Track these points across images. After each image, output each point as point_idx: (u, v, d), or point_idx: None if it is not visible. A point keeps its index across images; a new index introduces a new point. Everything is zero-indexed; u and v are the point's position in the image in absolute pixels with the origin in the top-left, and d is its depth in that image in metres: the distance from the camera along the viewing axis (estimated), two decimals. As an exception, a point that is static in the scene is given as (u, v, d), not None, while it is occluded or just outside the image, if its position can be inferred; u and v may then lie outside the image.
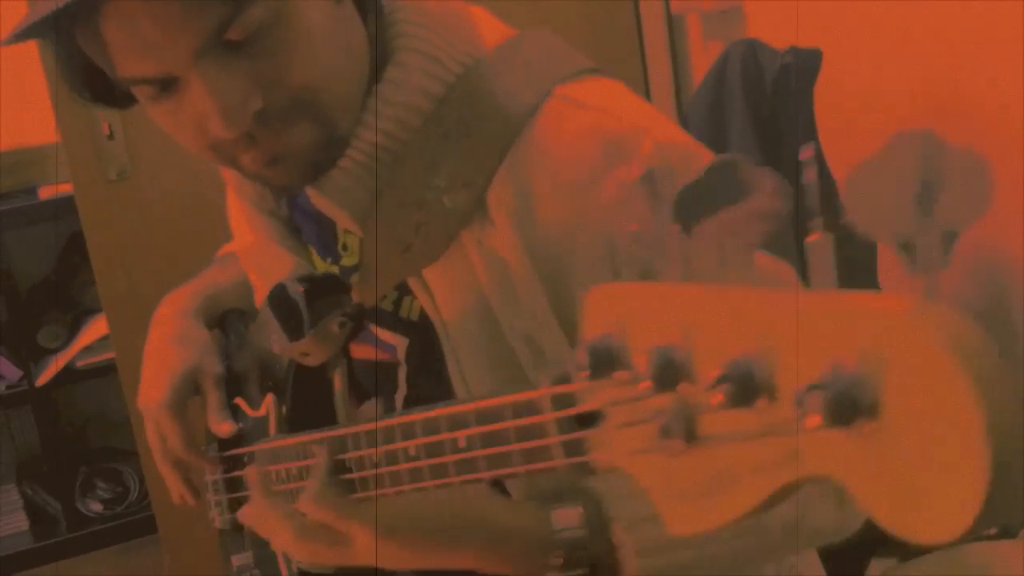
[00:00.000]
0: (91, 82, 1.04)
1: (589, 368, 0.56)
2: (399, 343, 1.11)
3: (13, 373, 3.14)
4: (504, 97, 1.04)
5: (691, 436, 0.50)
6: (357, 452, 0.91)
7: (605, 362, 0.56)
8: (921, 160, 0.35)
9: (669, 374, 0.50)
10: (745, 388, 0.44)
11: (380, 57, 1.05)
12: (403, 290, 1.09)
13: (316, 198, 1.05)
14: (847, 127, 2.08)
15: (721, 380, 0.45)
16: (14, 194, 3.16)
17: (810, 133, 2.17)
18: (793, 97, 2.23)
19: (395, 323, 1.11)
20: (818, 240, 0.41)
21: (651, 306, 0.54)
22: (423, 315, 1.08)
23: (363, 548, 0.92)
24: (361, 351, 1.13)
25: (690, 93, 2.74)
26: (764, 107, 2.28)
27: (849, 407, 0.39)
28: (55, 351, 3.21)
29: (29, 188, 3.16)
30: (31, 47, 2.41)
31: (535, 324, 1.00)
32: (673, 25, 2.86)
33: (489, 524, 0.94)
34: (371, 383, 1.14)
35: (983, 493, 0.36)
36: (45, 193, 3.12)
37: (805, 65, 2.21)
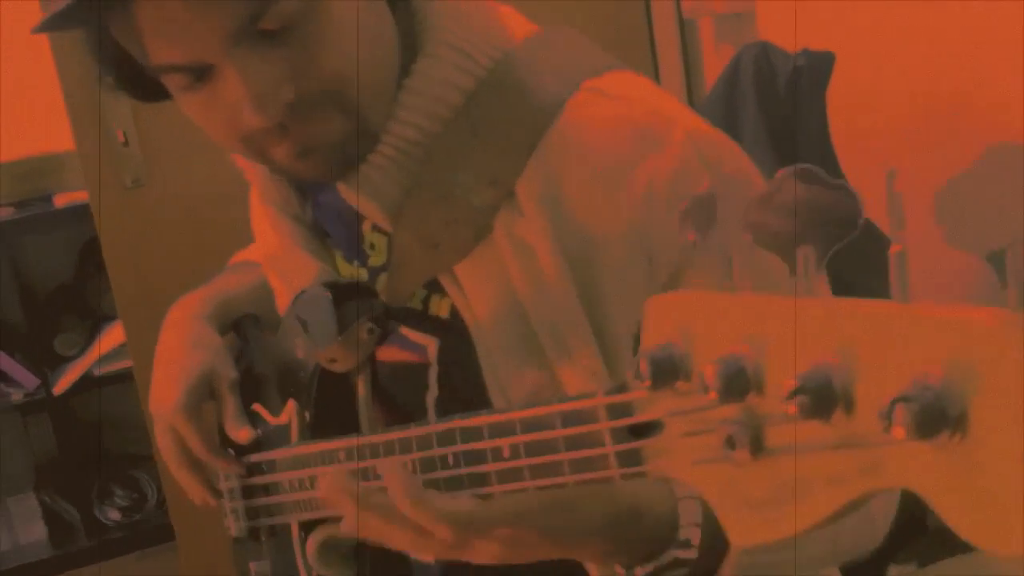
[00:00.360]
0: (120, 71, 1.04)
1: (651, 378, 0.56)
2: (429, 343, 1.10)
3: (31, 381, 3.14)
4: (531, 92, 1.04)
5: (758, 447, 0.50)
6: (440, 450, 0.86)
7: (667, 372, 0.56)
8: (1015, 173, 0.35)
9: (738, 384, 0.50)
10: (822, 399, 0.44)
11: (409, 51, 1.05)
12: (432, 288, 1.08)
13: (346, 192, 1.05)
14: (847, 126, 2.08)
15: (797, 391, 0.45)
16: (30, 202, 3.16)
17: (823, 135, 2.17)
18: (806, 99, 2.22)
19: (425, 322, 1.10)
20: (901, 251, 0.41)
21: (715, 316, 0.53)
22: (453, 313, 1.07)
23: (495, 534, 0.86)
24: (388, 353, 1.13)
25: (702, 96, 2.74)
26: (777, 110, 2.28)
27: (937, 420, 0.39)
28: (72, 358, 3.21)
29: (45, 196, 3.16)
30: (46, 54, 2.41)
31: (563, 316, 1.00)
32: (685, 28, 2.86)
33: (617, 498, 0.88)
34: (398, 387, 1.13)
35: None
36: (60, 201, 3.12)
37: (817, 67, 2.21)
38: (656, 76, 2.84)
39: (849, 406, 0.44)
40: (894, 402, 0.40)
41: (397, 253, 1.07)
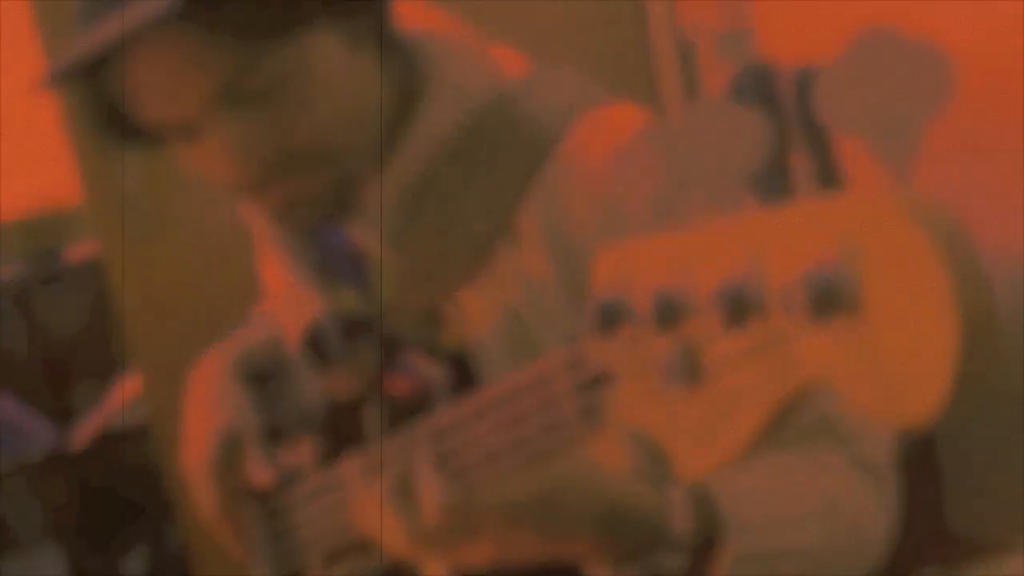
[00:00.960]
0: (116, 123, 1.06)
1: (598, 326, 0.57)
2: (439, 374, 1.12)
3: (49, 436, 3.15)
4: (529, 125, 1.06)
5: (695, 374, 0.51)
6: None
7: (614, 318, 0.57)
8: (884, 56, 0.37)
9: (669, 312, 0.51)
10: (736, 307, 0.45)
11: (412, 90, 1.08)
12: (439, 323, 1.10)
13: (353, 232, 1.09)
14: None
15: (713, 304, 0.46)
16: (41, 257, 3.19)
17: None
18: (805, 117, 2.23)
19: (434, 355, 1.12)
20: (799, 158, 0.43)
21: (654, 257, 0.55)
22: (460, 348, 1.09)
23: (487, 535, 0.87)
24: (398, 384, 1.14)
25: (703, 117, 2.74)
26: (778, 129, 2.29)
27: (832, 299, 0.40)
28: (90, 411, 3.22)
29: (55, 251, 3.19)
30: (53, 108, 2.43)
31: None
32: (684, 49, 2.86)
33: (606, 493, 0.89)
34: (407, 417, 1.15)
35: (952, 366, 0.37)
36: (72, 255, 3.15)
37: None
38: (655, 97, 2.84)
39: (761, 309, 0.45)
40: (791, 287, 0.41)
41: (398, 282, 1.09)
